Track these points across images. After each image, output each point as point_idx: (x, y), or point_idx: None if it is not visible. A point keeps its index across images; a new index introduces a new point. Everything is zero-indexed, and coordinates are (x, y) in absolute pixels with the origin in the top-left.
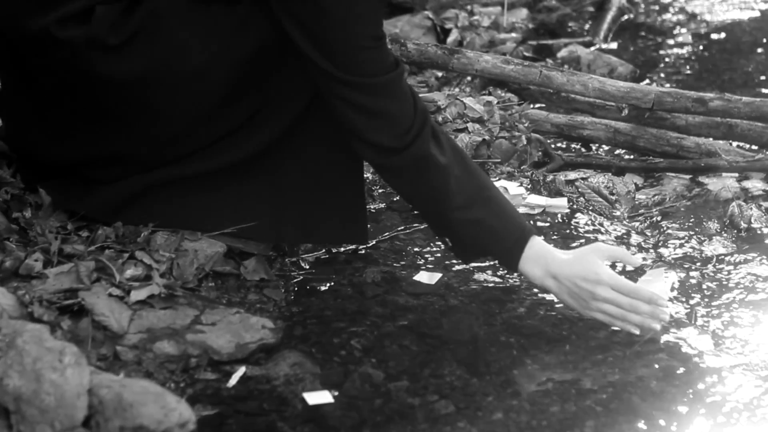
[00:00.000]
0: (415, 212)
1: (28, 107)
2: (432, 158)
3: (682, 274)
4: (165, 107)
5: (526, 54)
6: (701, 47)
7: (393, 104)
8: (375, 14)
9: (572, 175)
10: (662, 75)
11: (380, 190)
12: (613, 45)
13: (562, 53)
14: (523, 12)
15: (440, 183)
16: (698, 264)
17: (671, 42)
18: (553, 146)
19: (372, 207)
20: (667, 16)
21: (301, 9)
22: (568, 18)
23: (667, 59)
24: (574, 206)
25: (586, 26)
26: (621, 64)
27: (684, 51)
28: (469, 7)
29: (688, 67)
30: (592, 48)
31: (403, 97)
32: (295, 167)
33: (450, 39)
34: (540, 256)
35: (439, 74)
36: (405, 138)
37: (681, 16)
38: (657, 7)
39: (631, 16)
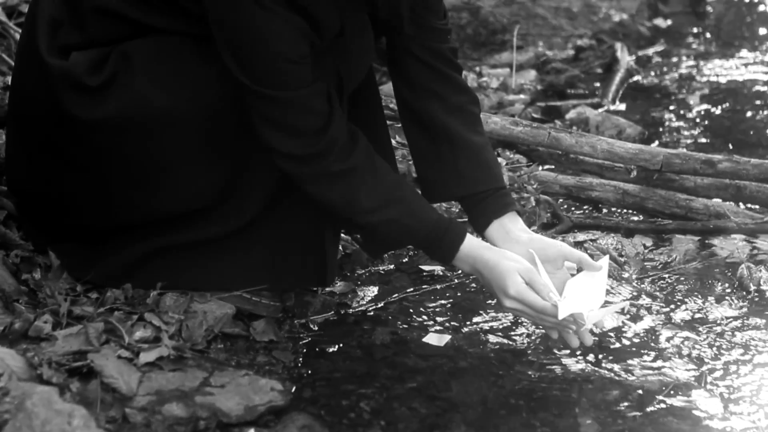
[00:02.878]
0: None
1: (26, 170)
2: (338, 174)
3: (633, 311)
4: (141, 156)
5: (535, 115)
6: (709, 109)
7: (298, 118)
8: (289, 34)
9: (581, 236)
10: (671, 136)
11: (389, 251)
12: (622, 106)
13: (571, 115)
14: (532, 73)
15: (348, 195)
16: (707, 326)
17: (679, 103)
18: (562, 208)
19: (381, 268)
20: (675, 77)
21: (222, 23)
22: (576, 79)
23: (675, 121)
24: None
25: (595, 87)
26: (629, 126)
27: (692, 112)
28: (477, 69)
29: (696, 128)
30: (601, 109)
31: (311, 113)
32: (287, 216)
33: None
34: (468, 256)
35: None
36: (309, 150)
37: (689, 78)
38: (665, 69)
39: (639, 77)
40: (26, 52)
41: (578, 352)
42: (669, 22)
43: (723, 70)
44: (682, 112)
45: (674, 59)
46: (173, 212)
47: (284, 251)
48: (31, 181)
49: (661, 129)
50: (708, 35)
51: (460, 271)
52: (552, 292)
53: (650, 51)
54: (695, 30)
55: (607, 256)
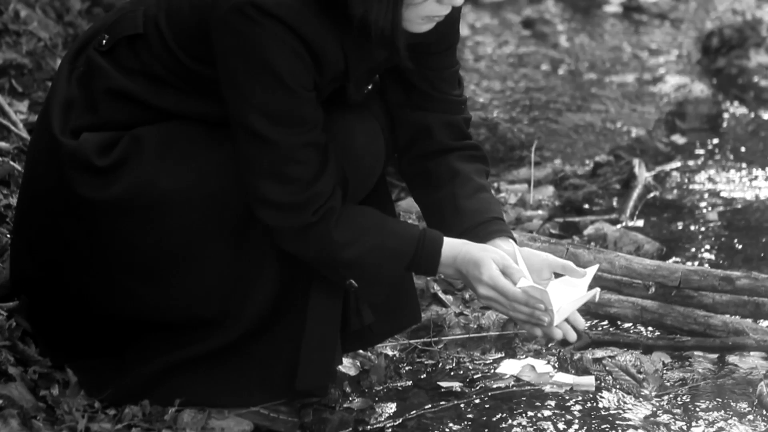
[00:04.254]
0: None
1: (31, 259)
2: (315, 222)
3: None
4: (145, 242)
5: (553, 231)
6: (727, 225)
7: (291, 164)
8: (290, 56)
9: (599, 353)
10: (689, 252)
11: (407, 367)
12: (640, 222)
13: (589, 230)
14: (550, 189)
15: (325, 237)
16: None
17: (697, 219)
18: None
19: (399, 384)
20: (693, 193)
21: (224, 54)
22: (594, 195)
23: (693, 237)
24: (602, 384)
25: (613, 203)
26: (647, 242)
27: (710, 228)
28: (495, 185)
29: (714, 244)
30: (619, 225)
31: (304, 162)
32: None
33: None
34: (448, 257)
35: None
36: (294, 198)
37: (707, 194)
38: (683, 185)
39: (657, 193)
40: (40, 131)
41: None
42: (686, 138)
43: (740, 187)
44: (700, 228)
45: (692, 175)
46: (186, 311)
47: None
48: (34, 269)
49: (679, 245)
50: (725, 152)
51: (477, 387)
52: (525, 278)
53: (668, 167)
54: (713, 146)
55: (596, 267)
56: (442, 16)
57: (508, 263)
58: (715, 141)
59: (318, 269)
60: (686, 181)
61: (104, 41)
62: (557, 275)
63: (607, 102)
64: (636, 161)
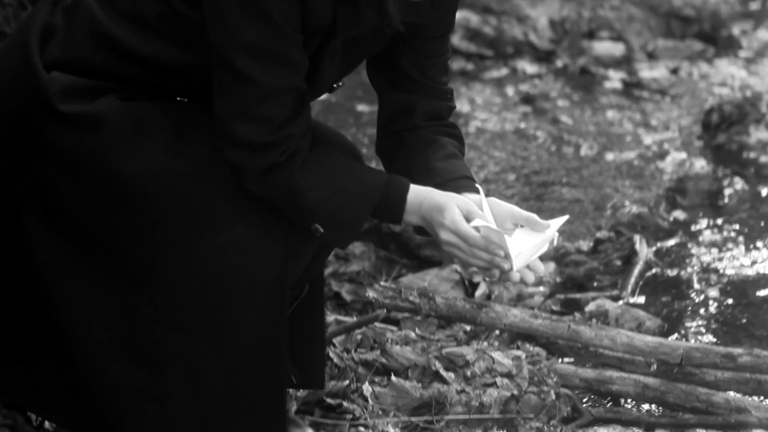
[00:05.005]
0: None
1: None
2: (282, 162)
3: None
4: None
5: (554, 308)
6: (728, 301)
7: (269, 105)
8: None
9: (602, 430)
10: (691, 329)
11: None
12: (641, 299)
13: (590, 307)
14: (551, 266)
15: (289, 180)
16: None
17: (699, 296)
18: (582, 401)
19: None
20: (694, 270)
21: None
22: (595, 272)
23: (695, 313)
24: None
25: (614, 280)
26: (649, 319)
27: (711, 305)
28: None
29: (716, 321)
30: (620, 302)
31: (282, 104)
32: None
33: (478, 293)
34: (414, 204)
35: (468, 328)
36: (268, 138)
37: (709, 270)
38: (684, 261)
39: (659, 269)
40: (12, 52)
41: None
42: (687, 214)
43: (742, 263)
44: (701, 304)
45: (693, 251)
46: None
47: None
48: None
49: (681, 322)
50: (727, 228)
51: None
52: (488, 223)
53: (669, 243)
54: (714, 222)
55: (564, 218)
56: None
57: (471, 209)
58: (716, 217)
59: (284, 212)
60: (688, 257)
61: None
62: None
63: (607, 178)
64: (637, 237)
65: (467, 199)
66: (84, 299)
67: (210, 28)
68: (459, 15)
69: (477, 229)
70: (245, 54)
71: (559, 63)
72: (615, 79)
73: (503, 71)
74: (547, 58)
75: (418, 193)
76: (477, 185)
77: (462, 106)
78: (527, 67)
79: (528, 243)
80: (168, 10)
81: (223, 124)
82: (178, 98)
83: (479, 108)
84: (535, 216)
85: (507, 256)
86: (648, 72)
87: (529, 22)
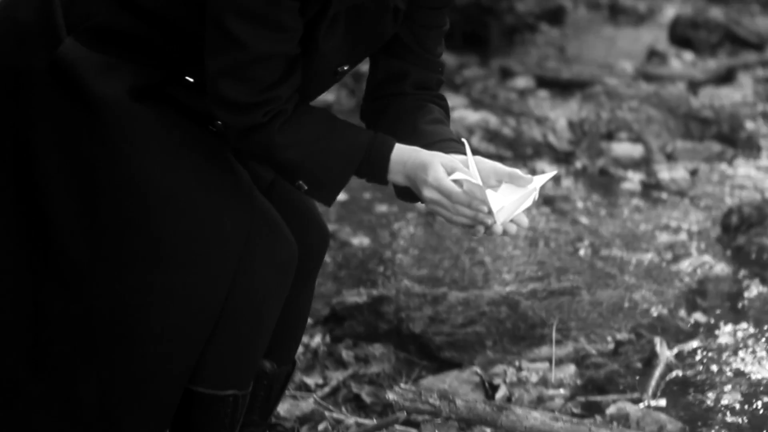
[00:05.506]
0: None
1: None
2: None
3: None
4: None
5: (575, 411)
6: (750, 403)
7: (259, 67)
8: None
9: None
10: None
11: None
12: (662, 401)
13: (611, 410)
14: (571, 368)
15: (267, 138)
16: None
17: (720, 399)
18: None
19: None
20: (716, 372)
21: None
22: (616, 374)
23: (716, 416)
24: None
25: (635, 382)
26: (670, 422)
27: (733, 408)
28: (517, 363)
29: (737, 424)
30: (641, 405)
31: (272, 69)
32: None
33: (498, 395)
34: (398, 162)
35: (488, 431)
36: (254, 98)
37: (730, 373)
38: (705, 363)
39: (680, 372)
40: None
41: None
42: (708, 316)
43: (764, 365)
44: (723, 407)
45: (714, 354)
46: None
47: None
48: None
49: (702, 425)
50: (747, 330)
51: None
52: (469, 177)
53: (690, 346)
54: (734, 324)
55: (551, 174)
56: None
57: (456, 165)
58: (738, 319)
59: (270, 168)
60: (708, 359)
61: None
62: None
63: (627, 280)
64: (657, 340)
65: (452, 157)
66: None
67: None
68: (478, 116)
69: (459, 183)
70: (236, 16)
71: (578, 164)
72: (634, 180)
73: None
74: (566, 159)
75: (402, 151)
76: (463, 139)
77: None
78: (546, 168)
79: (510, 197)
80: None
81: (211, 82)
82: (187, 77)
83: None
84: (518, 171)
85: (490, 212)
86: (667, 173)
87: (548, 124)
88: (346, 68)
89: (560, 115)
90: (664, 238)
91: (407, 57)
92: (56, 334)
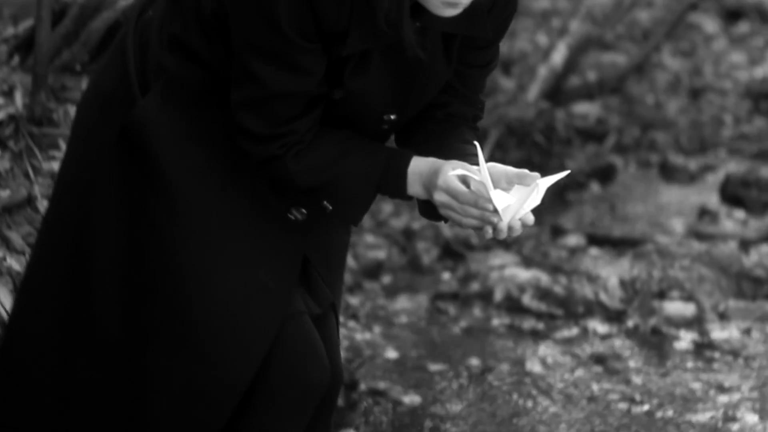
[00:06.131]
0: None
1: None
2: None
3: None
4: None
5: None
6: None
7: (278, 106)
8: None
9: None
10: None
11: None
12: None
13: None
14: None
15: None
16: None
17: None
18: None
19: None
20: None
21: None
22: None
23: None
24: None
25: None
26: None
27: None
28: None
29: None
30: None
31: (291, 105)
32: None
33: None
34: (414, 173)
35: None
36: (272, 131)
37: None
38: None
39: None
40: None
41: None
42: None
43: None
44: None
45: None
46: None
47: None
48: None
49: None
50: None
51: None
52: (472, 173)
53: None
54: None
55: (564, 173)
56: (466, 3)
57: (466, 168)
58: None
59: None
60: None
61: None
62: None
63: None
64: None
65: (463, 162)
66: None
67: (230, 19)
68: (529, 274)
69: (466, 183)
70: (255, 54)
71: (630, 323)
72: (686, 339)
73: (574, 330)
74: (618, 317)
75: (418, 163)
76: (476, 143)
77: (533, 365)
78: (598, 326)
79: (516, 195)
80: (220, 6)
81: (233, 111)
82: None
83: (549, 368)
84: (525, 171)
85: (495, 210)
86: (719, 333)
87: (600, 282)
88: (393, 117)
89: (612, 274)
90: (718, 398)
91: (449, 91)
92: (82, 401)
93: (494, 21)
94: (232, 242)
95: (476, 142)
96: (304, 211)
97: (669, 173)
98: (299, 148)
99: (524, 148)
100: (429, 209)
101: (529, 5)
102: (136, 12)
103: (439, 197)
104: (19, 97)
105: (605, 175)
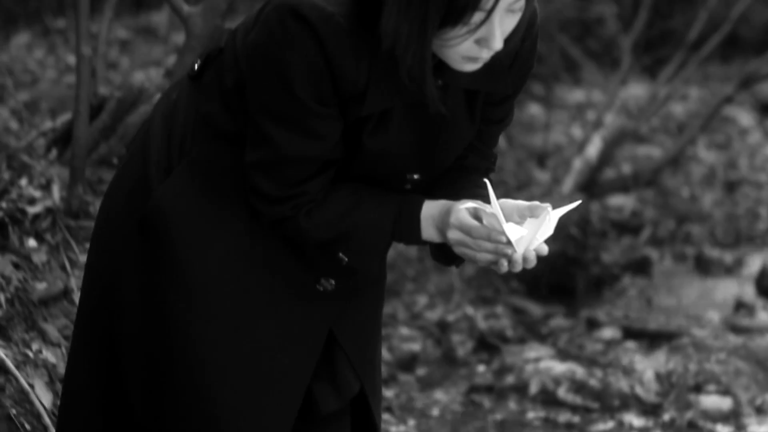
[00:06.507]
0: None
1: None
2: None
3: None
4: None
5: None
6: None
7: (289, 170)
8: (308, 67)
9: None
10: None
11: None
12: None
13: None
14: None
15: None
16: None
17: None
18: None
19: None
20: None
21: (254, 55)
22: None
23: None
24: None
25: None
26: None
27: None
28: None
29: None
30: None
31: (303, 170)
32: None
33: None
34: (427, 218)
35: None
36: (282, 193)
37: None
38: None
39: None
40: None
41: None
42: None
43: None
44: None
45: None
46: None
47: None
48: None
49: None
50: None
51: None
52: (483, 206)
53: None
54: None
55: (576, 203)
56: (486, 58)
57: (478, 208)
58: None
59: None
60: None
61: (196, 65)
62: None
63: None
64: None
65: (475, 201)
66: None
67: (246, 82)
68: (564, 367)
69: (478, 219)
70: (269, 118)
71: (666, 416)
72: None
73: (609, 424)
74: (654, 411)
75: (430, 206)
76: (486, 180)
77: None
78: (634, 420)
79: (528, 226)
80: (241, 74)
81: (246, 171)
82: None
83: None
84: (536, 202)
85: (509, 242)
86: (756, 427)
87: (636, 375)
88: (416, 177)
89: (647, 367)
90: None
91: (466, 145)
92: None
93: (514, 76)
94: (250, 329)
95: (486, 180)
96: (332, 282)
97: (705, 266)
98: (311, 207)
99: (559, 241)
100: (440, 253)
101: (564, 98)
102: (162, 99)
103: (453, 235)
104: (56, 191)
105: (641, 267)
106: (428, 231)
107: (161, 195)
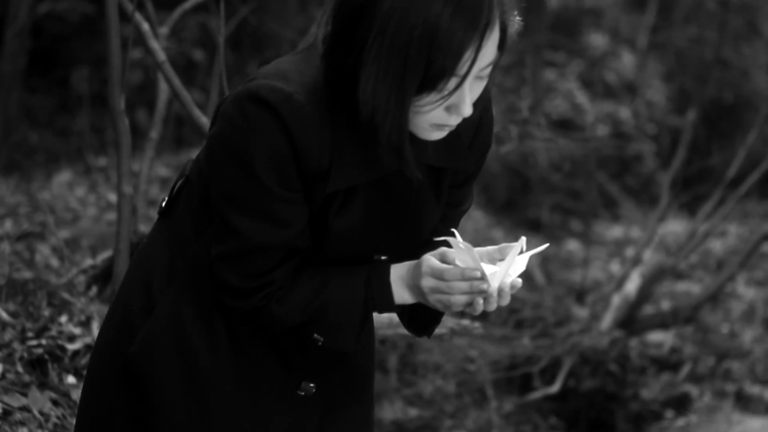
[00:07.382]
0: None
1: None
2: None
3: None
4: None
5: None
6: None
7: (257, 260)
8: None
9: None
10: None
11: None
12: None
13: None
14: None
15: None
16: None
17: None
18: None
19: None
20: None
21: (215, 144)
22: None
23: None
24: None
25: None
26: None
27: None
28: None
29: None
30: None
31: (268, 260)
32: None
33: None
34: (397, 279)
35: None
36: (247, 284)
37: None
38: None
39: None
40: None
41: None
42: None
43: None
44: None
45: None
46: None
47: None
48: None
49: None
50: None
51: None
52: (467, 250)
53: None
54: None
55: (544, 246)
56: (452, 126)
57: (444, 251)
58: None
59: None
60: None
61: (163, 202)
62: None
63: None
64: None
65: (441, 248)
66: None
67: (208, 172)
68: None
69: (446, 262)
70: (233, 208)
71: None
72: None
73: None
74: None
75: (397, 270)
76: (453, 230)
77: None
78: None
79: (500, 265)
80: (206, 186)
81: (212, 265)
82: None
83: None
84: (505, 244)
85: (483, 276)
86: None
87: None
88: (384, 258)
89: None
90: None
91: None
92: None
93: (474, 154)
94: None
95: (454, 230)
96: (312, 385)
97: (745, 403)
98: (281, 294)
99: (598, 377)
100: (414, 321)
101: (602, 234)
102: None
103: (427, 283)
104: (96, 328)
105: (680, 404)
106: (400, 294)
107: (141, 339)
